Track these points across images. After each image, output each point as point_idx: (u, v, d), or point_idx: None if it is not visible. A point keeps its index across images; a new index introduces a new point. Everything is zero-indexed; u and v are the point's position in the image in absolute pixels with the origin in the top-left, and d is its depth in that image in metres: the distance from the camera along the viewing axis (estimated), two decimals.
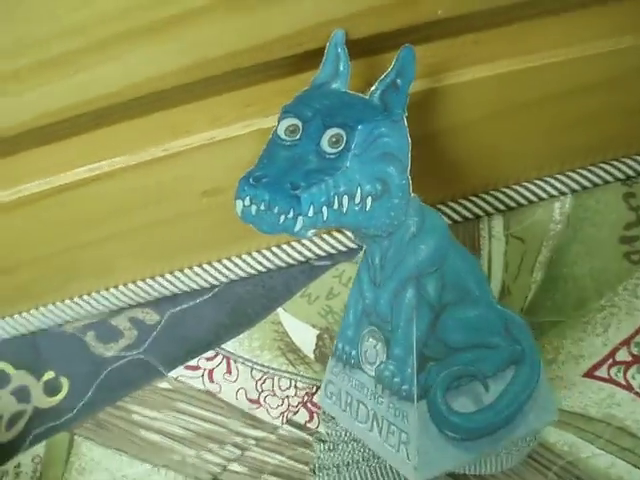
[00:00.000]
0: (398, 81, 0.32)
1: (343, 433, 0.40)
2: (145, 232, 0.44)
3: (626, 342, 0.41)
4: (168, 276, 0.47)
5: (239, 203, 0.37)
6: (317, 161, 0.35)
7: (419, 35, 0.32)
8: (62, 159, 0.37)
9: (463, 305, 0.34)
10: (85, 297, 0.47)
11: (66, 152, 0.37)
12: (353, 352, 0.37)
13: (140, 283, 0.47)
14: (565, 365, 0.41)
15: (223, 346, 0.45)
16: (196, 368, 0.45)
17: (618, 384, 0.40)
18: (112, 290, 0.47)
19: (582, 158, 0.44)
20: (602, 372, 0.40)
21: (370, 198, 0.34)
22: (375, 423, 0.35)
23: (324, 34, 0.32)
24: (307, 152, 0.35)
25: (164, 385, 0.45)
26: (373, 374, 0.35)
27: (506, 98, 0.38)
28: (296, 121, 0.35)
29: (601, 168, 0.44)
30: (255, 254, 0.47)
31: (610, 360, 0.41)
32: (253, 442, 0.42)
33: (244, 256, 0.47)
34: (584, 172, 0.44)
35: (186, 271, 0.47)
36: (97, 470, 0.43)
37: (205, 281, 0.47)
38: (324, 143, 0.35)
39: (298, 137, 0.35)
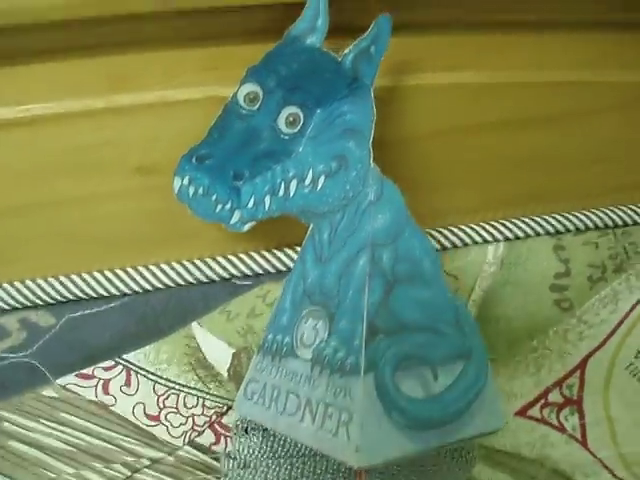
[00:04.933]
0: (372, 49, 0.32)
1: (256, 450, 0.35)
2: (52, 211, 0.38)
3: (558, 384, 0.39)
4: (74, 277, 0.42)
5: (177, 180, 0.35)
6: (270, 140, 0.34)
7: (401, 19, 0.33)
8: None
9: (416, 283, 0.32)
10: None
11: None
12: (286, 339, 0.33)
13: (40, 281, 0.41)
14: None
15: (125, 356, 0.40)
16: (90, 377, 0.39)
17: (551, 425, 0.38)
18: (5, 285, 0.41)
19: (515, 208, 0.45)
20: (535, 412, 0.39)
21: (323, 177, 0.33)
22: (307, 410, 0.31)
23: None
24: (262, 127, 0.34)
25: (49, 393, 0.38)
26: (309, 357, 0.32)
27: (466, 114, 0.39)
28: (257, 88, 0.34)
29: (533, 220, 0.45)
30: (175, 264, 0.43)
31: (543, 400, 0.39)
32: (147, 463, 0.36)
33: (162, 265, 0.43)
34: (518, 222, 0.45)
35: (95, 274, 0.42)
36: None
37: (115, 288, 0.42)
38: (281, 121, 0.34)
39: (257, 107, 0.34)
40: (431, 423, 0.30)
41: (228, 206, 0.34)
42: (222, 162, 0.34)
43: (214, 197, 0.34)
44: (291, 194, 0.34)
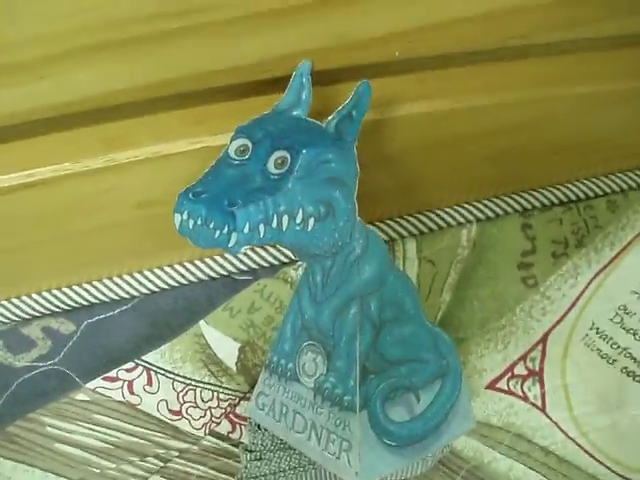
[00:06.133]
0: (353, 113, 0.35)
1: (269, 443, 0.41)
2: (66, 241, 0.43)
3: (523, 357, 0.46)
4: (85, 285, 0.46)
5: (177, 217, 0.38)
6: (261, 181, 0.36)
7: (372, 71, 0.35)
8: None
9: (400, 323, 0.36)
10: None
11: (4, 157, 0.36)
12: (290, 365, 0.38)
13: (55, 291, 0.45)
14: (470, 378, 0.45)
15: (143, 357, 0.45)
16: (115, 379, 0.44)
17: (516, 395, 0.45)
18: (24, 298, 0.45)
19: (487, 190, 0.48)
20: (502, 384, 0.45)
21: (312, 219, 0.36)
22: (314, 432, 0.37)
23: (289, 65, 0.33)
24: (253, 172, 0.37)
25: (81, 397, 0.44)
26: (312, 386, 0.37)
27: (433, 133, 0.42)
28: (247, 142, 0.36)
29: (502, 200, 0.49)
30: (177, 266, 0.47)
31: (509, 374, 0.45)
32: (175, 454, 0.43)
33: (166, 268, 0.47)
34: (487, 203, 0.49)
35: (105, 280, 0.46)
36: None
37: (124, 291, 0.46)
38: (270, 164, 0.36)
39: (247, 157, 0.37)
40: (416, 438, 0.36)
41: (225, 230, 0.37)
42: (217, 195, 0.37)
43: (212, 224, 0.37)
44: (284, 228, 0.37)
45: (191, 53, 0.32)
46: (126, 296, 0.47)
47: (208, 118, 0.37)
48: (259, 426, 0.41)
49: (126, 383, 0.44)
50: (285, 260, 0.48)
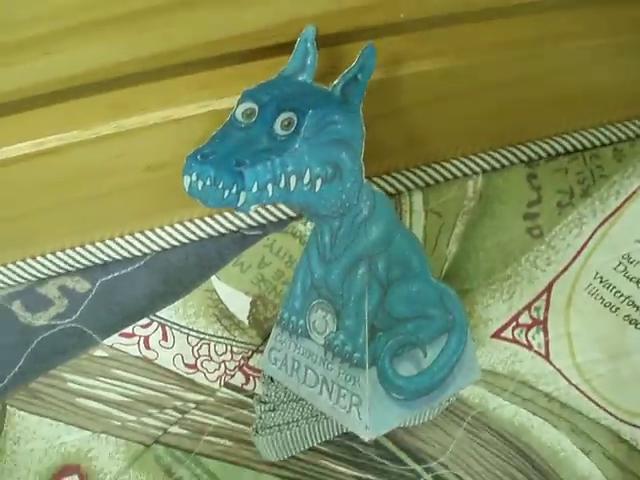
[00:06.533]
0: (359, 76, 0.35)
1: (282, 394, 0.43)
2: (79, 205, 0.43)
3: (527, 307, 0.47)
4: (98, 244, 0.47)
5: (186, 179, 0.38)
6: (268, 142, 0.37)
7: (376, 32, 0.35)
8: (9, 133, 0.36)
9: (407, 281, 0.37)
10: (10, 265, 0.46)
11: (14, 127, 0.36)
12: (301, 322, 0.39)
13: (69, 251, 0.46)
14: (476, 328, 0.46)
15: (158, 314, 0.46)
16: (131, 335, 0.46)
17: (521, 344, 0.46)
18: (39, 258, 0.46)
19: (492, 142, 0.49)
20: (507, 334, 0.46)
21: (320, 180, 0.36)
22: (325, 387, 0.38)
23: (294, 30, 0.33)
24: (260, 134, 0.37)
25: (99, 353, 0.45)
26: (322, 342, 0.38)
27: (437, 89, 0.42)
28: (253, 105, 0.36)
29: (508, 150, 0.49)
30: (187, 223, 0.48)
31: (514, 323, 0.46)
32: (192, 405, 0.44)
33: (176, 225, 0.48)
34: (493, 153, 0.49)
35: (117, 239, 0.47)
36: (34, 439, 0.43)
37: (137, 249, 0.47)
38: (277, 126, 0.36)
39: (253, 120, 0.37)
40: (423, 392, 0.38)
41: (234, 190, 0.37)
42: (224, 156, 0.37)
43: (220, 184, 0.37)
44: (291, 188, 0.37)
45: (194, 23, 0.32)
46: (138, 254, 0.48)
47: (214, 83, 0.37)
48: (272, 379, 0.43)
49: (142, 339, 0.46)
50: (293, 215, 0.48)
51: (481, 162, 0.49)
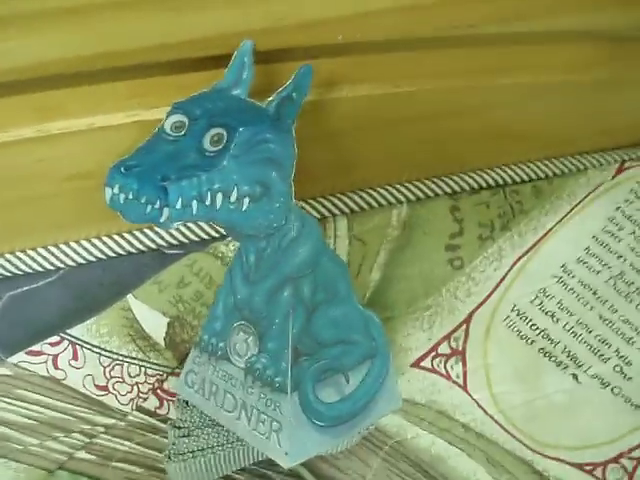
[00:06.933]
0: (294, 95, 0.34)
1: (197, 419, 0.41)
2: None
3: (447, 337, 0.47)
4: (8, 255, 0.44)
5: (108, 191, 0.37)
6: (195, 157, 0.36)
7: (313, 52, 0.34)
8: None
9: (332, 304, 0.37)
10: None
11: None
12: (221, 344, 0.38)
13: None
14: (396, 357, 0.46)
15: (69, 331, 0.44)
16: (39, 354, 0.43)
17: (439, 373, 0.46)
18: None
19: (418, 172, 0.49)
20: (427, 363, 0.46)
21: (247, 199, 0.35)
22: (244, 412, 0.37)
23: (231, 43, 0.33)
24: (188, 148, 0.36)
25: (3, 371, 0.43)
26: (243, 366, 0.37)
27: (371, 115, 0.42)
28: (183, 118, 0.35)
29: (433, 182, 0.50)
30: (105, 238, 0.46)
31: (434, 352, 0.47)
32: (101, 429, 0.42)
33: (93, 240, 0.46)
34: (418, 184, 0.49)
35: (29, 251, 0.45)
36: None
37: (49, 263, 0.45)
38: (206, 141, 0.35)
39: (182, 133, 0.36)
40: (344, 419, 0.37)
41: (157, 205, 0.36)
42: (149, 169, 0.36)
43: (143, 199, 0.36)
44: (217, 206, 0.36)
45: (129, 27, 0.31)
46: (51, 268, 0.45)
47: (144, 92, 0.36)
48: (187, 403, 0.41)
49: (51, 357, 0.43)
50: (216, 235, 0.47)
51: (406, 192, 0.49)
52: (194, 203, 0.35)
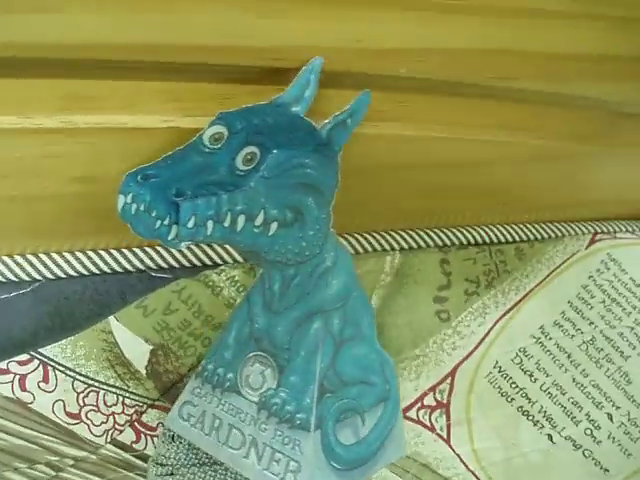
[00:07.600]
0: (349, 121, 0.34)
1: (183, 457, 0.38)
2: None
3: (433, 389, 0.46)
4: None
5: (121, 198, 0.34)
6: (224, 174, 0.34)
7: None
8: None
9: (357, 342, 0.36)
10: None
11: None
12: (229, 375, 0.36)
13: None
14: None
15: (40, 350, 0.40)
16: (5, 372, 0.39)
17: (424, 425, 0.45)
18: None
19: (412, 222, 0.49)
20: (412, 414, 0.45)
21: (276, 223, 0.34)
22: (254, 449, 0.34)
23: (289, 56, 0.31)
24: (220, 163, 0.34)
25: None
26: (255, 400, 0.35)
27: (377, 158, 0.42)
28: (224, 129, 0.34)
29: (425, 233, 0.50)
30: (90, 252, 0.42)
31: (419, 403, 0.46)
32: (70, 462, 0.38)
33: (77, 253, 0.42)
34: (412, 233, 0.49)
35: (3, 258, 0.40)
36: None
37: (25, 272, 0.41)
38: (239, 159, 0.34)
39: (219, 146, 0.34)
40: (358, 463, 0.35)
41: (166, 222, 0.34)
42: (167, 181, 0.34)
43: (154, 213, 0.34)
44: (238, 228, 0.34)
45: (187, 18, 0.29)
46: (27, 278, 0.41)
47: (184, 97, 0.34)
48: (174, 438, 0.38)
49: (17, 377, 0.39)
50: (208, 262, 0.45)
51: (400, 240, 0.49)
52: (209, 223, 0.34)
